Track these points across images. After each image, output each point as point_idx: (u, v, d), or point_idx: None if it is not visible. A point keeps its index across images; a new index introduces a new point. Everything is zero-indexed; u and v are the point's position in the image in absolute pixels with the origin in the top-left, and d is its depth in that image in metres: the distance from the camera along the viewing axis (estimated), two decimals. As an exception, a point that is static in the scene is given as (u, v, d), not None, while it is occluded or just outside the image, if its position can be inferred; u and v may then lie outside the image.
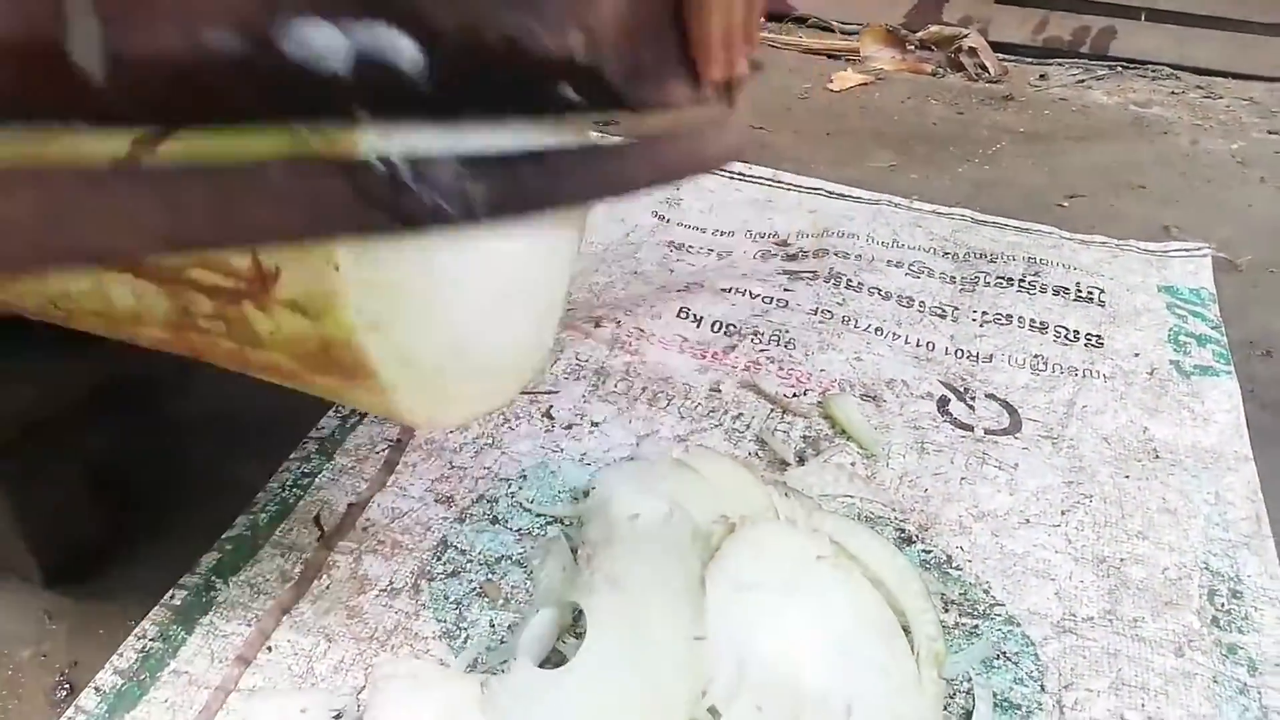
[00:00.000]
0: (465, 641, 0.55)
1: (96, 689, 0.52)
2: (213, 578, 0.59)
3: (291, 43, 0.31)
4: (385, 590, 0.58)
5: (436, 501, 0.65)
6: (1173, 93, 1.55)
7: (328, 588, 0.58)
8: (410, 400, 0.51)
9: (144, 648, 0.54)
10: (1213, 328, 0.88)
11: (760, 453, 0.70)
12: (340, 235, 0.35)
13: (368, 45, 0.33)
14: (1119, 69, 1.63)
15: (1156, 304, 0.91)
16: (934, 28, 1.66)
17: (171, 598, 0.57)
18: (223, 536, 0.61)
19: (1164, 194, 1.17)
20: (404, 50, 0.34)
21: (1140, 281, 0.94)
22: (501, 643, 0.55)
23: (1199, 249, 1.00)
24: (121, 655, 0.54)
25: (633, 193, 0.57)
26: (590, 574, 0.57)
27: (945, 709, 0.53)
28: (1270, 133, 1.39)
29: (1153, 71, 1.62)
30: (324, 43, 0.31)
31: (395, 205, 0.35)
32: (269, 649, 0.54)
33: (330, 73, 0.32)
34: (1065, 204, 1.13)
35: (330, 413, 0.72)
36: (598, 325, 0.81)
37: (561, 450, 0.69)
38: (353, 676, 0.53)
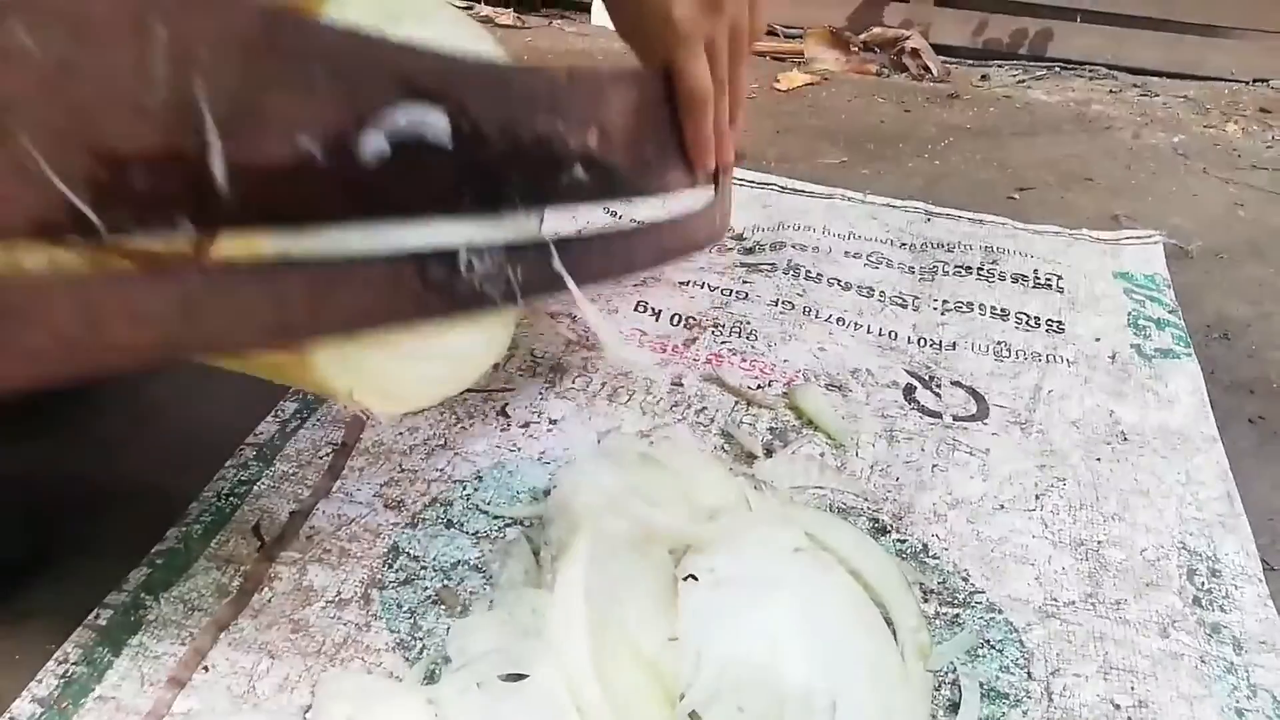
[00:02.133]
0: (420, 652, 0.52)
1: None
2: (142, 595, 0.54)
3: (366, 147, 0.37)
4: (333, 601, 0.54)
5: (386, 507, 0.61)
6: (1111, 91, 1.57)
7: (269, 601, 0.54)
8: (353, 386, 0.48)
9: (66, 673, 0.49)
10: (1170, 311, 0.88)
11: (727, 446, 0.68)
12: (409, 320, 0.42)
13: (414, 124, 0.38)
14: (1057, 69, 1.65)
15: (1114, 289, 0.90)
16: (876, 30, 1.67)
17: (96, 618, 0.52)
18: (152, 550, 0.57)
19: (1111, 186, 1.18)
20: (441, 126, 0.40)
21: (1096, 268, 0.94)
22: (460, 652, 0.51)
23: (1150, 236, 1.01)
24: (41, 682, 0.49)
25: (637, 272, 0.67)
26: (554, 576, 0.53)
27: (931, 701, 0.51)
28: (1207, 127, 1.41)
29: (1090, 71, 1.65)
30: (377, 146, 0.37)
31: (452, 292, 0.42)
32: (205, 669, 0.50)
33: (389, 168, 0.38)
34: (1016, 196, 1.13)
35: (269, 417, 0.67)
36: (553, 318, 0.78)
37: (519, 449, 0.66)
38: (299, 694, 0.49)
